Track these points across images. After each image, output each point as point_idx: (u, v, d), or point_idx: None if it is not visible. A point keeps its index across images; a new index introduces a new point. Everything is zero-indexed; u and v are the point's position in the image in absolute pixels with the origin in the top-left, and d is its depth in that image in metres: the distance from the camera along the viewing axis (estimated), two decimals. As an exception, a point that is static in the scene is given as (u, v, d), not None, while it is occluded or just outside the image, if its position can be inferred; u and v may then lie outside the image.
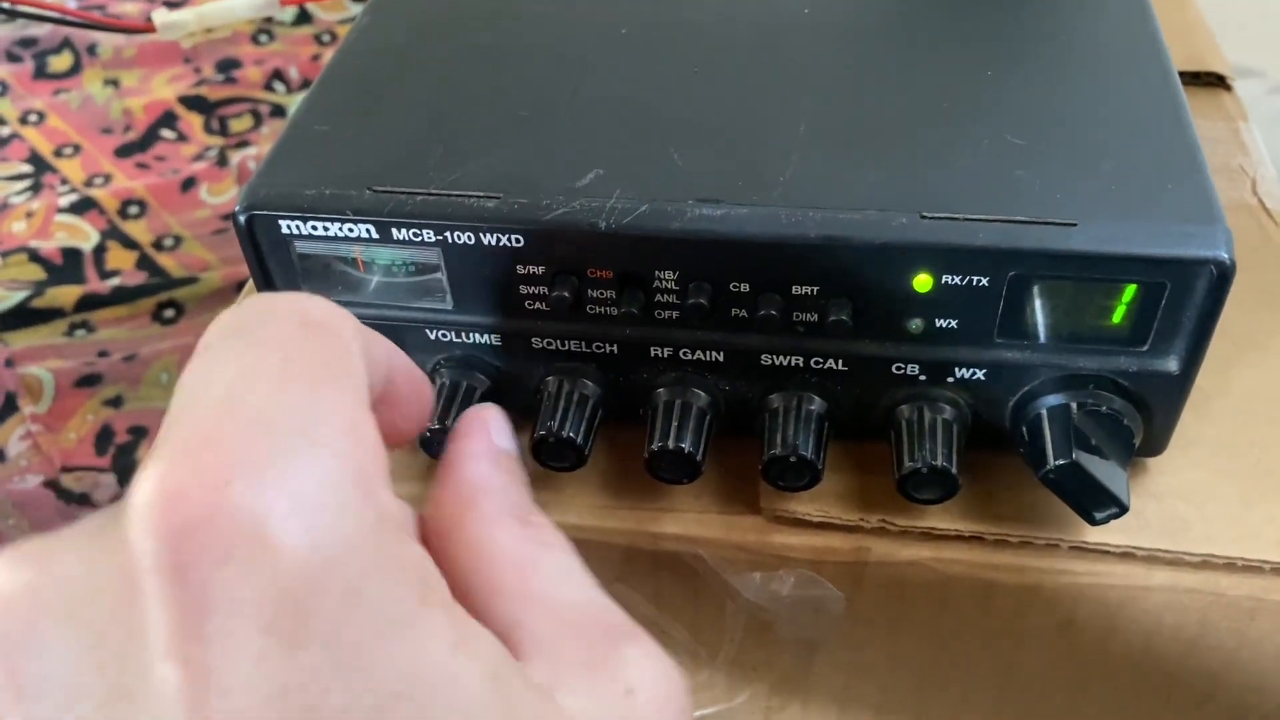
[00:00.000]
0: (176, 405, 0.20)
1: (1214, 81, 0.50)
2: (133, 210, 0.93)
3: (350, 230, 0.32)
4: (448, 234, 0.31)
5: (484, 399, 0.34)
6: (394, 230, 0.31)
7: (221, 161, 0.98)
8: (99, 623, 0.18)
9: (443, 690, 0.18)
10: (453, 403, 0.33)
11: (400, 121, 0.34)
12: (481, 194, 0.31)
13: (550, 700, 0.20)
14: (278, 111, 1.03)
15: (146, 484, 0.18)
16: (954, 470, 0.31)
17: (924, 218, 0.29)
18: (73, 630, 0.18)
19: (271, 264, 0.33)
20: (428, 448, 0.34)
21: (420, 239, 0.32)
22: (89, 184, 0.96)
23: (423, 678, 0.18)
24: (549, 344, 0.33)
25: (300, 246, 0.33)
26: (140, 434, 0.75)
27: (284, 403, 0.19)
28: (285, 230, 0.32)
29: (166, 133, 1.01)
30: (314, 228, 0.32)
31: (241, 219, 0.32)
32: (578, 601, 0.23)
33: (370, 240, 0.32)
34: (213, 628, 0.17)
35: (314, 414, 0.19)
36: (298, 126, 0.34)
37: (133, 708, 0.17)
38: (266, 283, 0.34)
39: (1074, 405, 0.31)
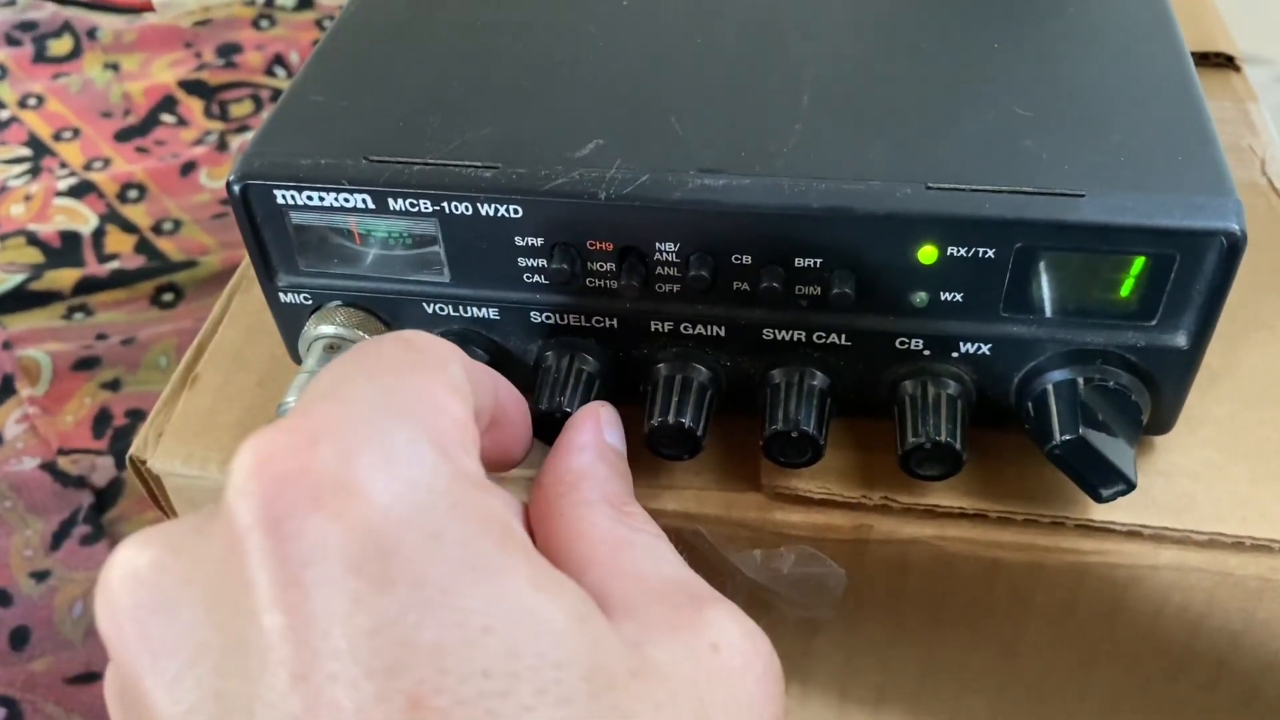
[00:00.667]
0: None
1: (1223, 62, 0.50)
2: (132, 194, 0.93)
3: (346, 200, 0.31)
4: (445, 204, 0.31)
5: (482, 373, 0.34)
6: (391, 200, 0.31)
7: (221, 146, 0.98)
8: (214, 583, 0.20)
9: (528, 625, 0.19)
10: (450, 377, 0.33)
11: (398, 91, 0.34)
12: (480, 164, 0.31)
13: (638, 650, 0.21)
14: (278, 97, 1.02)
15: (242, 452, 0.20)
16: (958, 446, 0.30)
17: (929, 188, 0.29)
18: (194, 593, 0.20)
19: (267, 235, 0.33)
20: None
21: (417, 209, 0.31)
22: (88, 168, 0.96)
23: (508, 613, 0.19)
24: (548, 318, 0.33)
25: (296, 217, 0.32)
26: (138, 417, 0.75)
27: (368, 385, 0.21)
28: (280, 200, 0.32)
29: (166, 117, 1.01)
30: (310, 198, 0.31)
31: (236, 189, 0.32)
32: (667, 575, 0.24)
33: (367, 210, 0.31)
34: (309, 574, 0.19)
35: (399, 393, 0.21)
36: (294, 96, 0.34)
37: (247, 656, 0.19)
38: (261, 255, 0.33)
39: (1081, 380, 0.30)
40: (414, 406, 0.21)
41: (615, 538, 0.24)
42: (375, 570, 0.19)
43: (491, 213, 0.31)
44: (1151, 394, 0.31)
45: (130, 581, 0.20)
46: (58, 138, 0.99)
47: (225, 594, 0.20)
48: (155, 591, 0.20)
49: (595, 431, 0.28)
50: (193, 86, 1.03)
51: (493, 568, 0.20)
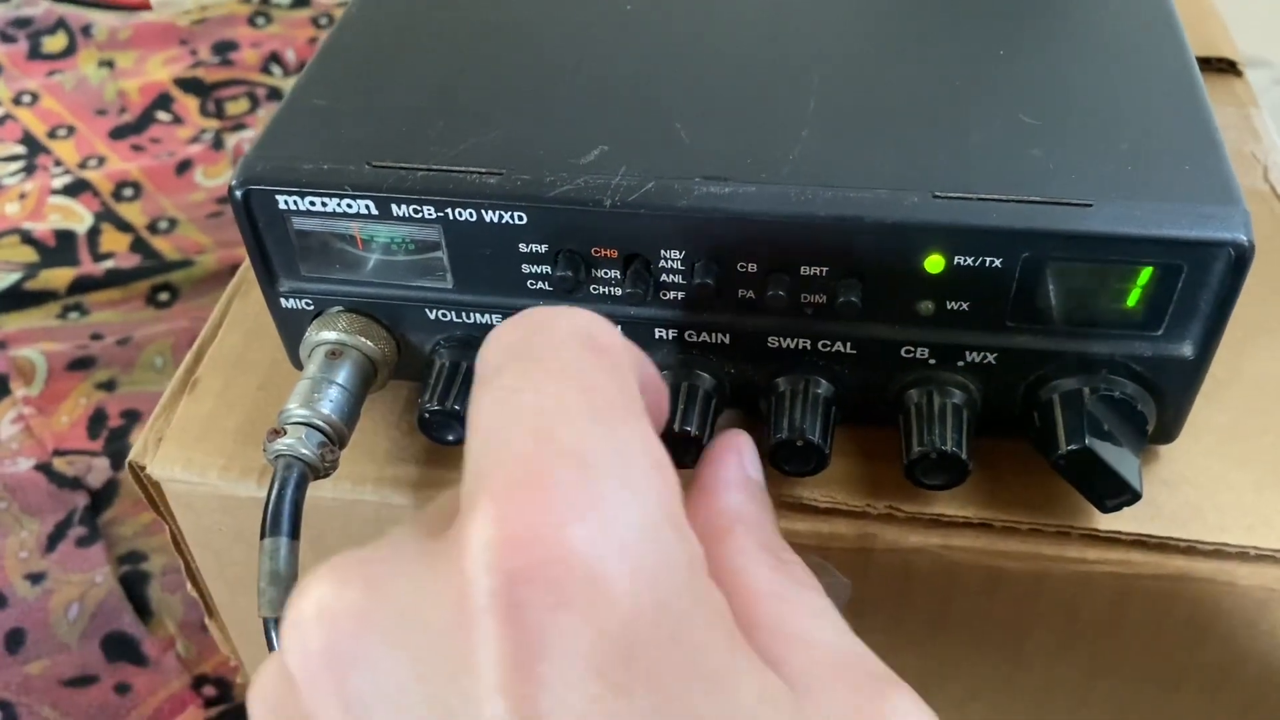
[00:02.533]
0: (482, 432, 0.20)
1: (1225, 67, 0.50)
2: (127, 192, 0.93)
3: (349, 206, 0.31)
4: (449, 210, 0.31)
5: (485, 380, 0.33)
6: (394, 206, 0.31)
7: (217, 144, 0.97)
8: (428, 649, 0.19)
9: None
10: (453, 384, 0.33)
11: (401, 96, 0.33)
12: (484, 170, 0.30)
13: None
14: (274, 94, 1.02)
15: (483, 522, 0.18)
16: (963, 455, 0.30)
17: (936, 197, 0.29)
18: (401, 653, 0.19)
19: (268, 241, 0.32)
20: (426, 430, 0.33)
21: (421, 215, 0.31)
22: (83, 166, 0.95)
23: None
24: (551, 324, 0.33)
25: (298, 223, 0.32)
26: (133, 418, 0.75)
27: (596, 439, 0.19)
28: (282, 206, 0.31)
29: (162, 115, 1.00)
30: (312, 203, 0.31)
31: (238, 194, 0.31)
32: (837, 644, 0.23)
33: (370, 217, 0.31)
34: (546, 669, 0.18)
35: (625, 452, 0.20)
36: (296, 100, 0.34)
37: None
38: (263, 260, 0.33)
39: (1087, 390, 0.30)
40: (644, 475, 0.19)
41: (779, 594, 0.23)
42: (617, 675, 0.18)
43: (495, 219, 0.31)
44: (1157, 404, 0.31)
45: (328, 624, 0.19)
46: (52, 135, 0.98)
47: (441, 663, 0.18)
48: (357, 642, 0.19)
49: (739, 466, 0.27)
50: (188, 84, 1.03)
51: (723, 675, 0.19)
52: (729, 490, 0.26)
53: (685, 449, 0.32)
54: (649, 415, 0.23)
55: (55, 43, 1.08)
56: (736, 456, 0.27)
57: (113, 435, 0.73)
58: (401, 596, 0.19)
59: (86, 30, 1.08)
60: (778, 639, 0.22)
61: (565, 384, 0.20)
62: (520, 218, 0.30)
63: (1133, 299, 0.29)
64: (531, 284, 0.32)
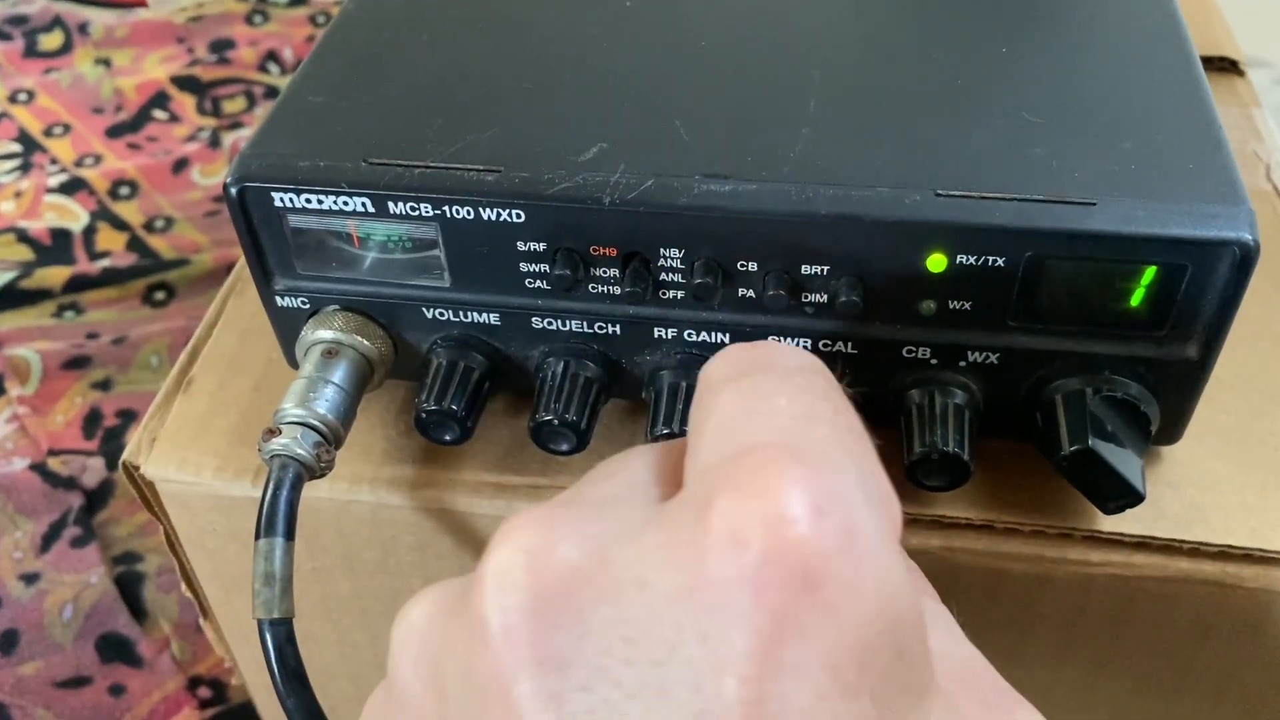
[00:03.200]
0: (727, 422, 0.20)
1: (1227, 67, 0.49)
2: (123, 191, 0.92)
3: (345, 203, 0.31)
4: (446, 208, 0.30)
5: (482, 380, 0.33)
6: (391, 204, 0.30)
7: (214, 143, 0.97)
8: (648, 614, 0.18)
9: None
10: (450, 383, 0.33)
11: (398, 93, 0.33)
12: (481, 167, 0.30)
13: None
14: (271, 93, 1.02)
15: (739, 492, 0.18)
16: (965, 456, 0.30)
17: (939, 195, 0.29)
18: (614, 613, 0.18)
19: (264, 238, 0.32)
20: (423, 430, 0.33)
21: (418, 213, 0.31)
22: (79, 164, 0.95)
23: None
24: (549, 324, 0.32)
25: (294, 220, 0.31)
26: (129, 417, 0.74)
27: (848, 449, 0.19)
28: (278, 203, 0.31)
29: (158, 113, 1.00)
30: (308, 200, 0.31)
31: (233, 191, 0.31)
32: (962, 656, 0.22)
33: (366, 214, 0.31)
34: (784, 655, 0.17)
35: (870, 472, 0.19)
36: (292, 97, 0.33)
37: (675, 705, 0.17)
38: (258, 259, 0.33)
39: (1090, 391, 0.30)
40: (882, 495, 0.19)
41: None
42: (848, 675, 0.17)
43: (493, 217, 0.30)
44: (1160, 405, 0.31)
45: (537, 577, 0.18)
46: (48, 134, 0.98)
47: (663, 633, 0.18)
48: (565, 598, 0.18)
49: None
50: (185, 82, 1.02)
51: (923, 693, 0.19)
52: None
53: (684, 449, 0.32)
54: None
55: (51, 40, 1.08)
56: None
57: (108, 435, 0.73)
58: (622, 557, 0.18)
59: (83, 28, 1.08)
60: None
61: (817, 398, 0.20)
62: (518, 215, 0.30)
63: (1136, 299, 0.29)
64: (529, 282, 0.32)
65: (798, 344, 0.31)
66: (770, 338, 0.22)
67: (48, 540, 0.66)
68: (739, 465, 0.18)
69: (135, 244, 0.88)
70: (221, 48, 1.06)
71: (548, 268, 0.31)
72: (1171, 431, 0.32)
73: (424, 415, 0.32)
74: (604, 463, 0.22)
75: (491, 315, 0.33)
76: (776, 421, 0.20)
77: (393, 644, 0.21)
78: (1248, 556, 0.31)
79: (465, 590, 0.19)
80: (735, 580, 0.17)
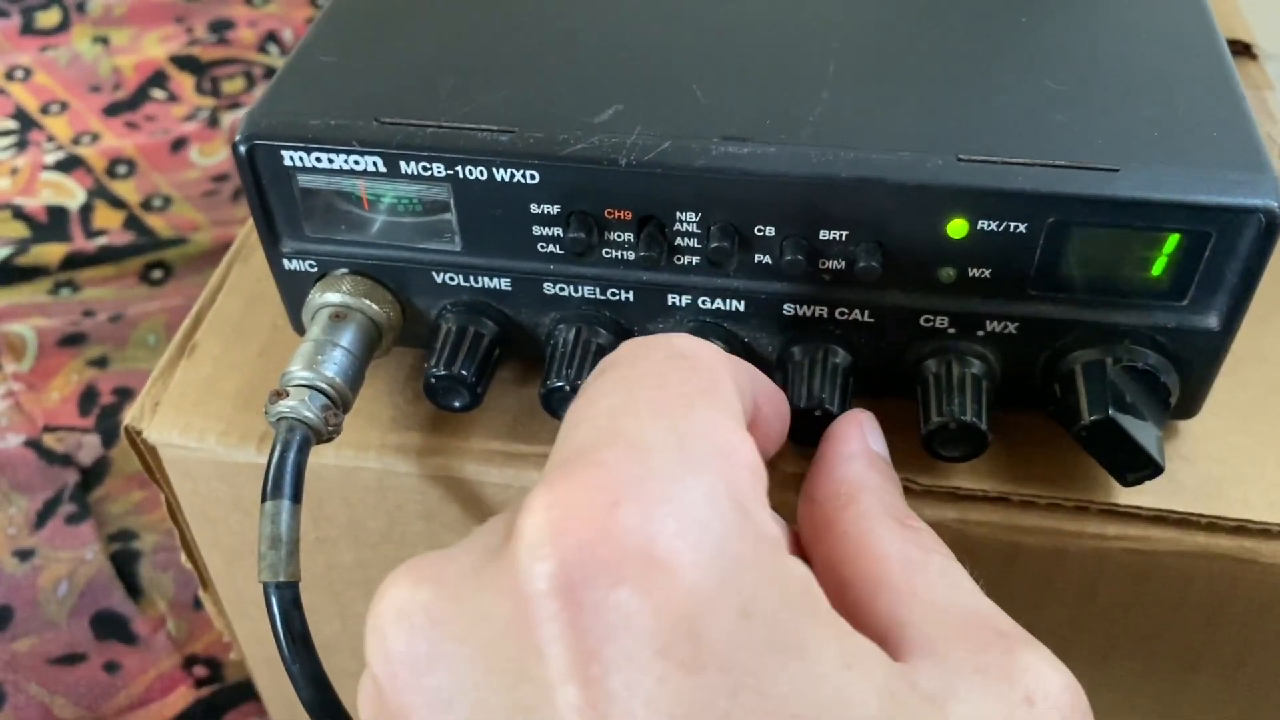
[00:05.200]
0: (561, 434, 0.21)
1: (1240, 50, 0.49)
2: (121, 169, 0.91)
3: (356, 163, 0.30)
4: (458, 169, 0.30)
5: (493, 346, 0.33)
6: (402, 164, 0.30)
7: (213, 123, 0.96)
8: (497, 642, 0.19)
9: (838, 710, 0.18)
10: (459, 348, 0.32)
11: (411, 52, 0.32)
12: (495, 128, 0.30)
13: (941, 711, 0.19)
14: (271, 74, 1.01)
15: (535, 508, 0.19)
16: (983, 426, 0.30)
17: (960, 160, 0.28)
18: (472, 649, 0.19)
19: (272, 199, 0.32)
20: (432, 395, 0.32)
21: (430, 173, 0.30)
22: (76, 142, 0.94)
23: (818, 699, 0.18)
24: (562, 289, 0.32)
25: (303, 180, 0.31)
26: (125, 395, 0.73)
27: (659, 426, 0.20)
28: (288, 162, 0.31)
29: (157, 92, 0.99)
30: (318, 159, 0.30)
31: (242, 149, 0.30)
32: (967, 605, 0.22)
33: (377, 174, 0.30)
34: (611, 650, 0.18)
35: (688, 436, 0.20)
36: (303, 56, 0.33)
37: None
38: (266, 220, 0.32)
39: (1110, 360, 0.30)
40: (709, 454, 0.19)
41: (906, 557, 0.23)
42: (683, 651, 0.17)
43: (507, 178, 0.30)
44: (1180, 376, 0.30)
45: (404, 625, 0.20)
46: (45, 111, 0.97)
47: (510, 655, 0.18)
48: (430, 641, 0.19)
49: (862, 439, 0.27)
50: (184, 62, 1.02)
51: (801, 645, 0.18)
52: (852, 461, 0.26)
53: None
54: (766, 427, 0.24)
55: (49, 18, 1.07)
56: (859, 430, 0.27)
57: (104, 412, 0.72)
58: (467, 592, 0.19)
59: (81, 6, 1.07)
60: (904, 600, 0.22)
61: (637, 383, 0.21)
62: (532, 177, 0.30)
63: (1158, 267, 0.29)
64: (542, 246, 0.31)
65: (814, 313, 0.31)
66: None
67: (43, 517, 0.66)
68: (541, 484, 0.19)
69: (132, 222, 0.87)
70: (221, 28, 1.05)
71: (561, 231, 0.31)
72: (1190, 405, 0.31)
73: (433, 380, 0.32)
74: None
75: (503, 280, 0.32)
76: (592, 426, 0.20)
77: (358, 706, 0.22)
78: (1265, 531, 0.31)
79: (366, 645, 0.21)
80: (547, 593, 0.18)
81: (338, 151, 0.30)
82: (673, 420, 0.20)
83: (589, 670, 0.17)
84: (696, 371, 0.21)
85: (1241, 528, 0.31)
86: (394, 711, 0.20)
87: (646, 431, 0.19)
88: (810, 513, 0.25)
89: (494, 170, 0.30)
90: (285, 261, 0.33)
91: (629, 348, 0.23)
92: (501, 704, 0.18)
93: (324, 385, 0.31)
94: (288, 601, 0.29)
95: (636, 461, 0.19)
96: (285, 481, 0.29)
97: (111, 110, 0.97)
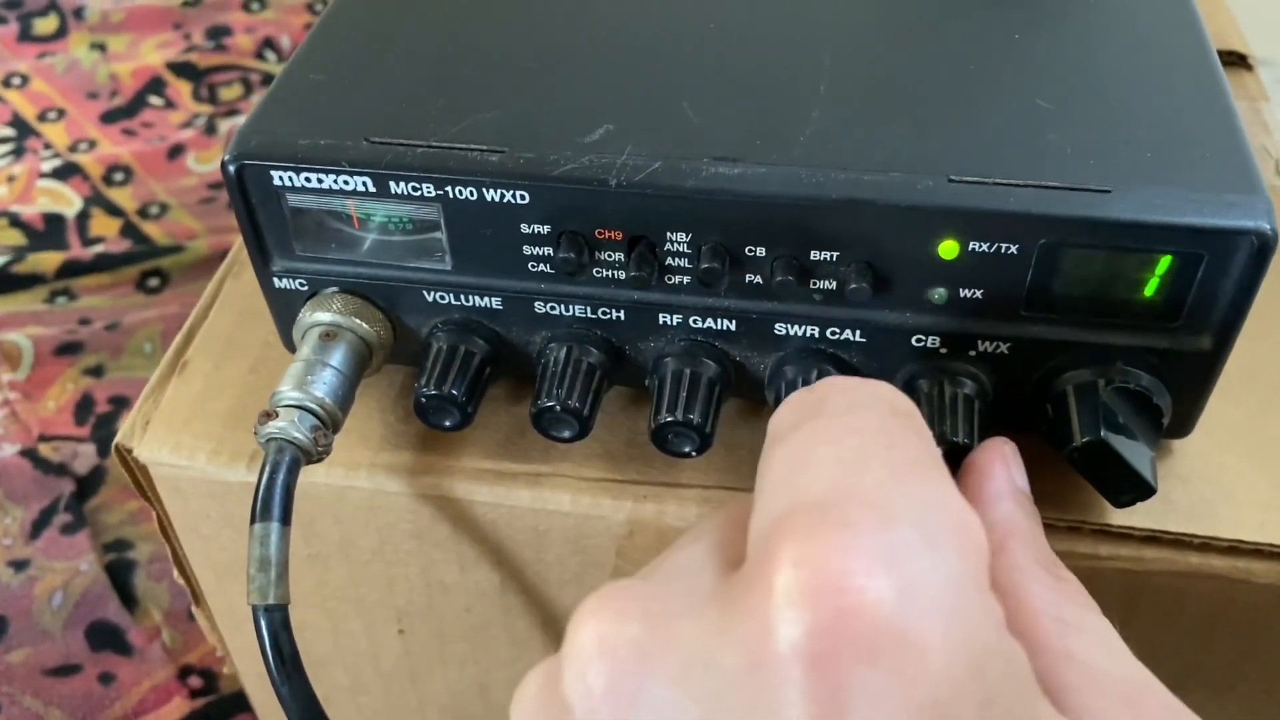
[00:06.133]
0: (776, 480, 0.20)
1: (1235, 61, 0.49)
2: (118, 177, 0.91)
3: (346, 183, 0.30)
4: (449, 188, 0.30)
5: (484, 365, 0.33)
6: (392, 184, 0.30)
7: (210, 129, 0.96)
8: (719, 693, 0.18)
9: None
10: (450, 367, 0.32)
11: (401, 72, 0.32)
12: (485, 147, 0.30)
13: None
14: (268, 80, 1.01)
15: (782, 562, 0.18)
16: (975, 447, 0.29)
17: (952, 181, 0.28)
18: (685, 696, 0.18)
19: (262, 218, 0.32)
20: (423, 414, 0.32)
21: (420, 193, 0.30)
22: (73, 149, 0.94)
23: None
24: (552, 308, 0.32)
25: (293, 200, 0.31)
26: (121, 404, 0.73)
27: (902, 492, 0.19)
28: (277, 182, 0.30)
29: (154, 99, 0.99)
30: (308, 179, 0.30)
31: (231, 169, 0.30)
32: (1124, 674, 0.22)
33: (367, 194, 0.30)
34: None
35: (930, 506, 0.19)
36: (292, 74, 0.33)
37: None
38: (256, 239, 0.32)
39: (1102, 382, 0.30)
40: (951, 531, 0.18)
41: (1061, 615, 0.22)
42: None
43: (497, 198, 0.30)
44: (1173, 397, 0.30)
45: (608, 660, 0.19)
46: (42, 118, 0.97)
47: (732, 713, 0.18)
48: (639, 682, 0.18)
49: (1008, 476, 0.26)
50: (181, 69, 1.02)
51: None
52: (999, 502, 0.25)
53: (689, 440, 0.31)
54: None
55: (46, 25, 1.07)
56: (1004, 466, 0.26)
57: (100, 421, 0.72)
58: (689, 637, 0.19)
59: (78, 12, 1.07)
60: (1062, 664, 0.21)
61: (867, 438, 0.20)
62: (522, 197, 0.30)
63: (1151, 289, 0.29)
64: (533, 266, 0.31)
65: (805, 332, 0.31)
66: (830, 378, 0.21)
67: (38, 527, 0.66)
68: (785, 533, 0.18)
69: (129, 230, 0.87)
70: (218, 34, 1.05)
71: (551, 251, 0.31)
72: (1183, 424, 0.31)
73: (424, 400, 0.32)
74: (690, 528, 0.22)
75: (493, 299, 0.32)
76: (822, 473, 0.19)
77: (511, 717, 0.21)
78: (1258, 552, 0.30)
79: (559, 670, 0.20)
80: (791, 657, 0.17)
81: (327, 171, 0.30)
82: (911, 489, 0.19)
83: None
84: (919, 434, 0.21)
85: (1234, 548, 0.30)
86: None
87: (889, 497, 0.18)
88: None
89: (484, 190, 0.30)
90: (276, 280, 0.33)
91: (840, 393, 0.21)
92: None
93: (314, 405, 0.31)
94: (277, 624, 0.29)
95: (885, 529, 0.18)
96: (274, 503, 0.29)
97: (109, 117, 0.97)
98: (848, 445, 0.20)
